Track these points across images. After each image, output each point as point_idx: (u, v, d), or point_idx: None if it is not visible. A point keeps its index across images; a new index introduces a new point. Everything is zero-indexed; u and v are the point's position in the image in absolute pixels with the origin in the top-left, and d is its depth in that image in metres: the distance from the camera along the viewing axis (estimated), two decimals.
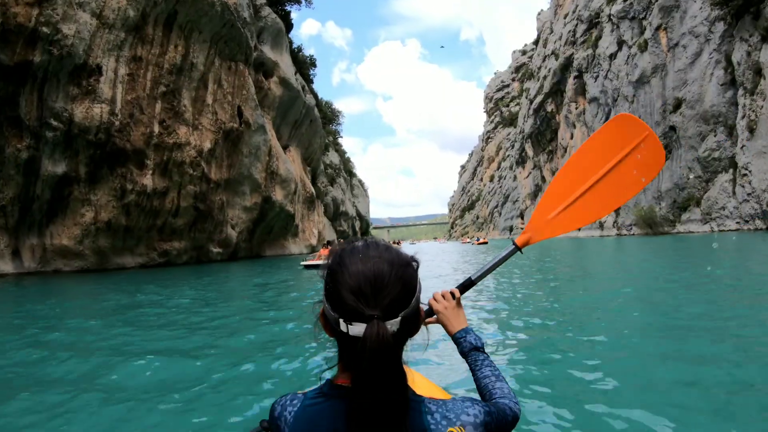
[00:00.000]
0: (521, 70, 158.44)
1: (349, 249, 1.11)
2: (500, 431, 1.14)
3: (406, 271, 1.07)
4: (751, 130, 43.14)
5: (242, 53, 41.49)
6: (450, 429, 1.01)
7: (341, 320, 1.01)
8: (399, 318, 1.01)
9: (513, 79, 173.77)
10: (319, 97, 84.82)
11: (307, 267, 25.54)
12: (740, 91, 45.45)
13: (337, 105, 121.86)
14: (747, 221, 44.17)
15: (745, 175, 44.00)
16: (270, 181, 48.22)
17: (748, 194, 43.70)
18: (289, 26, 60.85)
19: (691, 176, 52.31)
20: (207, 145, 36.48)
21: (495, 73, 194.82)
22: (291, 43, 64.20)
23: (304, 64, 69.20)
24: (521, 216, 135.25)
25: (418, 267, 1.12)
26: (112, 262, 30.79)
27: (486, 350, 1.46)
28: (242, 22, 40.81)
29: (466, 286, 1.68)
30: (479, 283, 1.72)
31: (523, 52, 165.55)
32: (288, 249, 56.66)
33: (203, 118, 36.73)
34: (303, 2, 62.79)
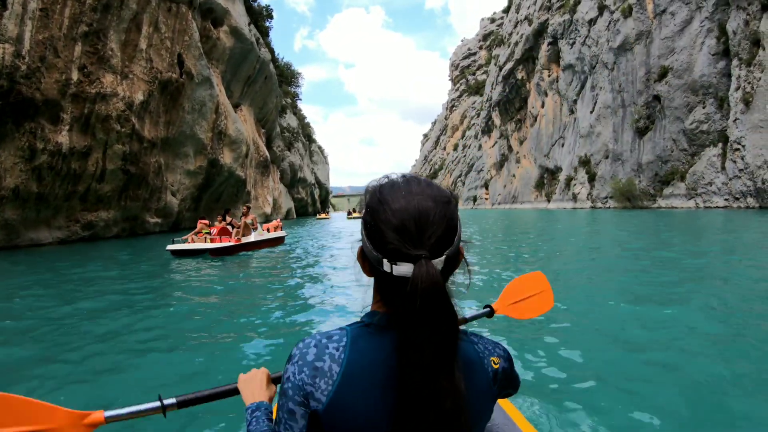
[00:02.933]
0: (489, 38, 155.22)
1: (389, 184, 1.08)
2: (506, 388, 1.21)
3: (448, 208, 1.05)
4: (747, 103, 40.38)
5: None
6: (492, 358, 1.12)
7: (385, 260, 0.99)
8: (443, 257, 1.00)
9: (480, 47, 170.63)
10: (277, 54, 79.03)
11: (175, 253, 16.57)
12: (734, 62, 42.54)
13: (303, 80, 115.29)
14: (737, 198, 41.75)
15: (737, 149, 41.39)
16: (217, 143, 43.21)
17: (740, 170, 41.20)
18: None
19: (675, 149, 49.54)
20: (139, 96, 31.18)
21: (462, 41, 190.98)
22: None
23: (259, 15, 63.31)
24: (485, 186, 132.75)
25: (457, 203, 1.10)
26: (24, 237, 25.60)
27: None
28: None
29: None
30: None
31: (492, 20, 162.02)
32: (238, 218, 51.86)
33: (135, 65, 31.36)
34: None
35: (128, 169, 31.43)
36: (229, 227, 18.59)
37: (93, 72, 28.37)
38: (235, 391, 1.50)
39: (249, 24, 53.34)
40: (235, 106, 51.95)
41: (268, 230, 21.82)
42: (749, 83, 40.54)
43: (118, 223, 32.63)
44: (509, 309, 2.22)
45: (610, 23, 62.42)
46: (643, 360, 4.56)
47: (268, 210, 60.44)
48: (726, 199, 43.16)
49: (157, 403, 1.53)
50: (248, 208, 20.19)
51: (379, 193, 1.06)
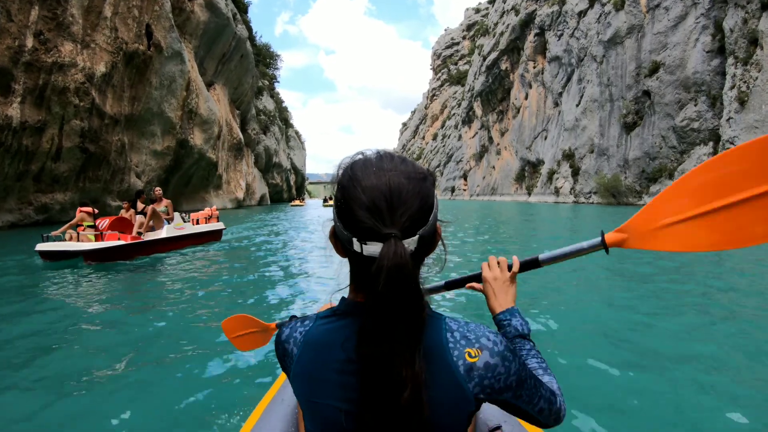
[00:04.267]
0: (473, 28, 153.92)
1: (361, 161, 1.03)
2: (536, 408, 1.06)
3: (423, 185, 0.99)
4: (742, 102, 39.55)
5: None
6: (468, 349, 0.97)
7: (354, 239, 0.96)
8: (417, 236, 0.95)
9: (464, 37, 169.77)
10: (256, 34, 76.21)
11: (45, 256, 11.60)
12: (730, 60, 41.64)
13: (282, 63, 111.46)
14: None
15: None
16: (187, 122, 41.02)
17: None
18: None
19: (664, 146, 48.50)
20: (101, 68, 28.84)
21: (445, 30, 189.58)
22: None
23: None
24: (464, 177, 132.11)
25: (434, 181, 1.04)
26: None
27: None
28: None
29: (529, 264, 1.41)
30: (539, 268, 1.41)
31: (477, 10, 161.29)
32: (209, 203, 49.61)
33: (97, 34, 28.97)
34: None
35: (87, 148, 29.13)
36: (141, 217, 13.14)
37: (50, 39, 26.01)
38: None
39: None
40: (209, 85, 49.49)
41: (197, 222, 15.79)
42: (745, 82, 39.69)
43: (76, 205, 30.22)
44: (672, 231, 1.17)
45: (600, 16, 61.22)
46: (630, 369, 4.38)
47: (240, 195, 58.16)
48: None
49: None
50: (161, 191, 14.22)
51: (351, 169, 1.01)
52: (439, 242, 1.06)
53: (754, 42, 39.69)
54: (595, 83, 62.06)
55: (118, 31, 30.40)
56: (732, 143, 40.34)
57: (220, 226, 16.46)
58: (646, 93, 52.09)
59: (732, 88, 41.23)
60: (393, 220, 0.92)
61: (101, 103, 29.49)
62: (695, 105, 45.86)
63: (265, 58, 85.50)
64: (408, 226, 0.93)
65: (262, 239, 17.61)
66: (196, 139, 42.36)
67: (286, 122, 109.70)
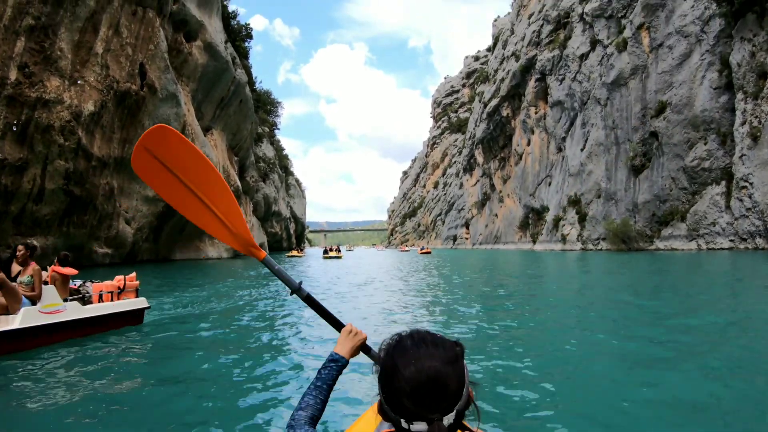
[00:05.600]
0: (473, 76, 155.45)
1: (400, 348, 1.22)
2: None
3: (456, 366, 1.18)
4: (754, 138, 38.17)
5: None
6: None
7: (402, 420, 1.14)
8: (454, 411, 1.14)
9: (464, 85, 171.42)
10: (258, 83, 75.97)
11: None
12: (739, 96, 40.48)
13: (283, 110, 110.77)
14: (744, 239, 39.14)
15: (744, 187, 38.96)
16: None
17: (748, 209, 38.74)
18: None
19: (674, 188, 46.94)
20: (89, 107, 27.53)
21: (445, 78, 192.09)
22: (225, 7, 55.58)
23: (238, 34, 60.48)
24: (466, 225, 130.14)
25: (463, 352, 1.24)
26: None
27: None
28: None
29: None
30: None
31: (476, 58, 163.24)
32: (204, 252, 47.51)
33: (87, 70, 27.80)
34: None
35: (72, 191, 27.45)
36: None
37: (36, 73, 24.69)
38: (339, 329, 1.97)
39: (225, 42, 50.25)
40: (206, 130, 48.16)
41: (101, 298, 9.69)
42: (756, 117, 38.39)
43: (58, 251, 28.42)
44: None
45: (603, 58, 60.68)
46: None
47: None
48: (731, 240, 40.44)
49: (297, 284, 2.06)
50: (29, 249, 8.63)
51: (391, 358, 1.20)
52: (472, 405, 1.24)
53: (763, 75, 38.42)
54: (600, 126, 61.00)
55: (109, 68, 29.18)
56: (746, 180, 38.68)
57: (137, 304, 10.22)
58: (654, 134, 50.80)
59: (743, 123, 39.74)
60: (435, 407, 1.11)
61: (88, 143, 27.99)
62: (705, 144, 44.37)
63: (266, 105, 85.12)
64: (448, 407, 1.13)
65: (216, 322, 10.58)
66: None
67: (286, 170, 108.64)
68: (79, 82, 27.25)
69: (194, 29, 41.93)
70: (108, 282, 10.20)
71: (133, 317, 10.18)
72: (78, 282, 9.75)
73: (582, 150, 65.58)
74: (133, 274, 10.80)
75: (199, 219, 2.13)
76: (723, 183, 42.27)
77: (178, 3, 38.76)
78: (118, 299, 10.03)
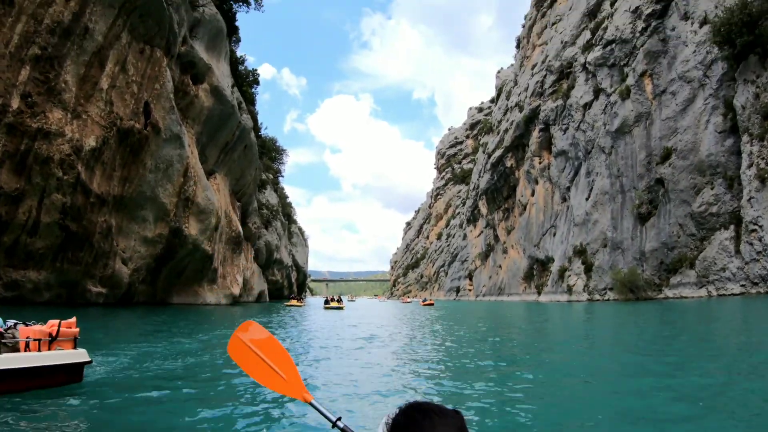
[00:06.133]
0: (477, 127, 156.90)
1: (412, 423, 1.26)
2: None
3: None
4: (762, 180, 37.33)
5: (162, 38, 32.74)
6: None
7: None
8: None
9: (467, 136, 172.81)
10: (264, 130, 76.23)
11: None
12: (745, 138, 39.86)
13: (288, 157, 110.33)
14: (756, 284, 37.60)
15: (753, 230, 37.85)
16: (183, 210, 38.50)
17: (759, 252, 37.38)
18: (232, 30, 52.80)
19: (682, 234, 45.87)
20: (90, 142, 27.05)
21: (449, 129, 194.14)
22: (233, 52, 56.05)
23: (245, 79, 60.87)
24: (469, 277, 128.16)
25: (463, 421, 1.30)
26: None
27: None
28: None
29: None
30: None
31: (480, 109, 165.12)
32: (202, 297, 46.07)
33: (91, 105, 27.44)
34: (252, 3, 54.87)
35: (68, 226, 26.74)
36: None
37: (38, 104, 24.33)
38: None
39: (232, 86, 50.39)
40: (209, 173, 47.63)
41: (28, 347, 7.60)
42: (763, 159, 37.61)
43: (51, 287, 27.60)
44: None
45: (606, 106, 60.69)
46: None
47: (236, 291, 54.58)
48: (743, 285, 38.92)
49: (333, 419, 2.18)
50: None
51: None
52: None
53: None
54: (605, 175, 60.46)
55: (113, 105, 28.90)
56: (756, 223, 37.50)
57: (74, 357, 8.13)
58: (659, 181, 50.10)
59: (750, 166, 38.80)
60: None
61: (87, 179, 27.43)
62: (712, 188, 43.49)
63: (270, 151, 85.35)
64: None
65: (185, 386, 8.29)
66: (192, 228, 39.83)
67: (289, 218, 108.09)
68: (82, 116, 26.94)
69: (202, 72, 41.90)
70: (38, 327, 7.97)
71: (68, 373, 8.07)
72: (11, 322, 7.84)
73: (587, 199, 64.87)
74: (72, 320, 8.43)
75: (267, 380, 2.73)
76: (732, 227, 41.15)
77: (187, 45, 38.83)
78: (50, 349, 7.88)
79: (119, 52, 29.10)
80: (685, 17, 48.80)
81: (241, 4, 54.13)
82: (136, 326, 18.39)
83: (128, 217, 32.71)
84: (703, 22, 45.76)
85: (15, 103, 23.20)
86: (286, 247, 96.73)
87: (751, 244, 38.04)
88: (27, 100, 23.94)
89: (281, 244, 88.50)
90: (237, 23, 56.50)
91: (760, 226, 37.30)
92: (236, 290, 54.74)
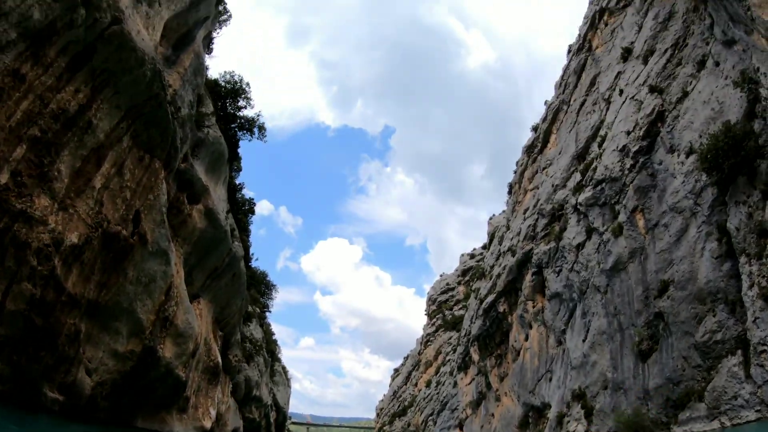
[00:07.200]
0: (469, 273, 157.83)
1: None
2: None
3: None
4: (765, 298, 36.18)
5: (164, 150, 32.87)
6: None
7: None
8: None
9: (459, 283, 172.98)
10: (252, 255, 75.62)
11: None
12: (742, 260, 39.47)
13: (277, 294, 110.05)
14: None
15: (762, 352, 35.98)
16: (160, 330, 36.10)
17: None
18: (234, 156, 54.31)
19: (687, 367, 43.89)
20: (72, 238, 25.88)
21: (441, 275, 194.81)
22: (233, 178, 57.15)
23: (240, 208, 61.46)
24: (460, 426, 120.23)
25: None
26: None
27: None
28: (175, 111, 33.08)
29: None
30: None
31: (472, 256, 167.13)
32: (170, 426, 42.14)
33: (81, 201, 26.64)
34: (255, 133, 56.90)
35: (33, 320, 24.85)
36: None
37: (27, 185, 23.57)
38: None
39: (227, 212, 50.53)
40: (193, 297, 45.72)
41: None
42: (764, 277, 36.82)
43: (4, 381, 24.91)
44: None
45: (599, 245, 61.18)
46: None
47: (207, 424, 50.12)
48: (758, 411, 36.11)
49: None
50: None
51: None
52: None
53: (763, 234, 37.28)
54: (602, 315, 59.28)
55: (103, 205, 28.07)
56: (764, 344, 35.45)
57: None
58: (659, 315, 48.88)
59: (751, 286, 37.89)
60: None
61: (62, 276, 25.83)
62: (714, 315, 42.17)
63: (260, 284, 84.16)
64: None
65: None
66: (167, 351, 37.23)
67: (273, 355, 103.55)
68: (69, 209, 26.16)
69: (198, 192, 41.74)
70: None
71: None
72: None
73: (584, 341, 63.07)
74: None
75: None
76: (739, 352, 39.35)
77: (187, 163, 39.16)
78: None
79: (118, 155, 28.74)
80: (671, 150, 50.82)
81: (245, 132, 56.31)
82: None
83: (100, 325, 30.39)
84: (689, 152, 47.45)
85: (4, 179, 22.35)
86: (267, 385, 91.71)
87: (762, 366, 36.16)
88: (17, 178, 23.12)
89: (262, 381, 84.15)
90: (239, 150, 58.40)
91: None
92: (208, 424, 50.52)
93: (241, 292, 59.10)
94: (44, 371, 27.10)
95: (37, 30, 20.97)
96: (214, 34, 43.65)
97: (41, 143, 24.13)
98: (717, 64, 43.54)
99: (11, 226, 22.72)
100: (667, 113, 53.07)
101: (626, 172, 57.25)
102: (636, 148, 56.51)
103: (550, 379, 76.44)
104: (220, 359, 53.48)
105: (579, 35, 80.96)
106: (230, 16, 47.53)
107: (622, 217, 57.04)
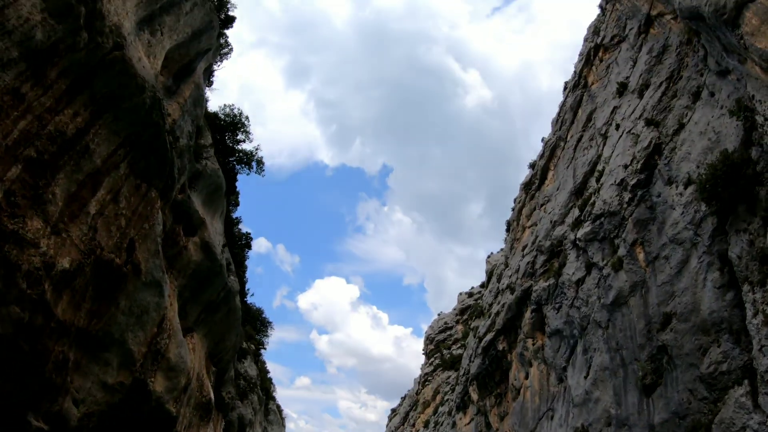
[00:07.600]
0: (467, 312, 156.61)
1: None
2: None
3: None
4: None
5: (161, 179, 32.47)
6: None
7: None
8: None
9: (457, 321, 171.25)
10: (247, 290, 74.84)
11: None
12: (745, 288, 38.98)
13: (273, 331, 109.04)
14: None
15: None
16: (151, 362, 34.94)
17: None
18: (231, 190, 54.13)
19: (693, 400, 43.08)
20: (64, 263, 25.04)
21: (438, 315, 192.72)
22: (230, 212, 56.92)
23: (236, 242, 60.98)
24: None
25: None
26: None
27: None
28: (174, 141, 32.95)
29: None
30: None
31: (470, 294, 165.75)
32: None
33: (74, 226, 26.00)
34: (254, 167, 56.80)
35: (20, 344, 24.12)
36: None
37: (21, 206, 23.12)
38: None
39: (223, 246, 50.07)
40: (187, 330, 44.68)
41: None
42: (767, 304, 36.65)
43: None
44: None
45: (599, 280, 60.57)
46: None
47: None
48: None
49: None
50: None
51: None
52: None
53: (766, 260, 37.37)
54: (604, 350, 58.42)
55: (97, 232, 27.64)
56: None
57: None
58: (662, 348, 48.14)
59: (755, 314, 37.52)
60: None
61: (52, 301, 25.16)
62: (719, 346, 41.60)
63: (255, 321, 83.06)
64: None
65: None
66: (158, 384, 36.10)
67: (268, 393, 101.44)
68: (62, 234, 25.68)
69: (195, 225, 41.28)
70: None
71: None
72: None
73: (586, 377, 61.97)
74: None
75: None
76: (746, 382, 38.59)
77: (184, 194, 38.85)
78: None
79: (114, 181, 28.38)
80: (669, 182, 50.87)
81: (243, 165, 56.26)
82: None
83: (89, 355, 29.37)
84: (687, 182, 47.49)
85: None
86: (261, 424, 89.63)
87: None
88: (10, 198, 22.71)
89: (256, 420, 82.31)
90: (237, 184, 58.20)
91: None
92: None
93: (235, 328, 58.12)
94: (30, 399, 26.17)
95: (39, 50, 20.93)
96: (215, 67, 43.93)
97: (37, 164, 23.80)
98: (712, 94, 43.95)
99: (2, 246, 22.16)
100: (664, 145, 53.29)
101: (625, 205, 57.22)
102: (634, 181, 56.59)
103: (552, 418, 74.79)
104: (212, 395, 52.10)
105: (575, 72, 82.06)
106: (231, 49, 47.84)
107: (621, 251, 56.73)
